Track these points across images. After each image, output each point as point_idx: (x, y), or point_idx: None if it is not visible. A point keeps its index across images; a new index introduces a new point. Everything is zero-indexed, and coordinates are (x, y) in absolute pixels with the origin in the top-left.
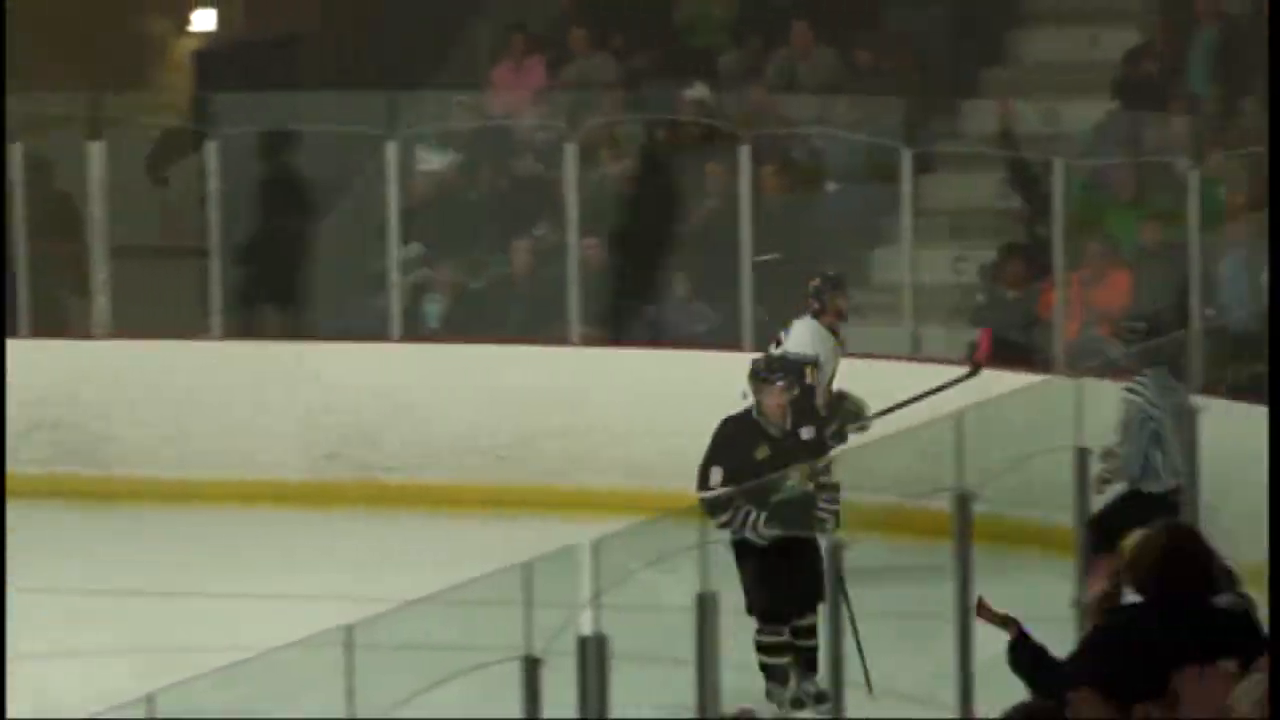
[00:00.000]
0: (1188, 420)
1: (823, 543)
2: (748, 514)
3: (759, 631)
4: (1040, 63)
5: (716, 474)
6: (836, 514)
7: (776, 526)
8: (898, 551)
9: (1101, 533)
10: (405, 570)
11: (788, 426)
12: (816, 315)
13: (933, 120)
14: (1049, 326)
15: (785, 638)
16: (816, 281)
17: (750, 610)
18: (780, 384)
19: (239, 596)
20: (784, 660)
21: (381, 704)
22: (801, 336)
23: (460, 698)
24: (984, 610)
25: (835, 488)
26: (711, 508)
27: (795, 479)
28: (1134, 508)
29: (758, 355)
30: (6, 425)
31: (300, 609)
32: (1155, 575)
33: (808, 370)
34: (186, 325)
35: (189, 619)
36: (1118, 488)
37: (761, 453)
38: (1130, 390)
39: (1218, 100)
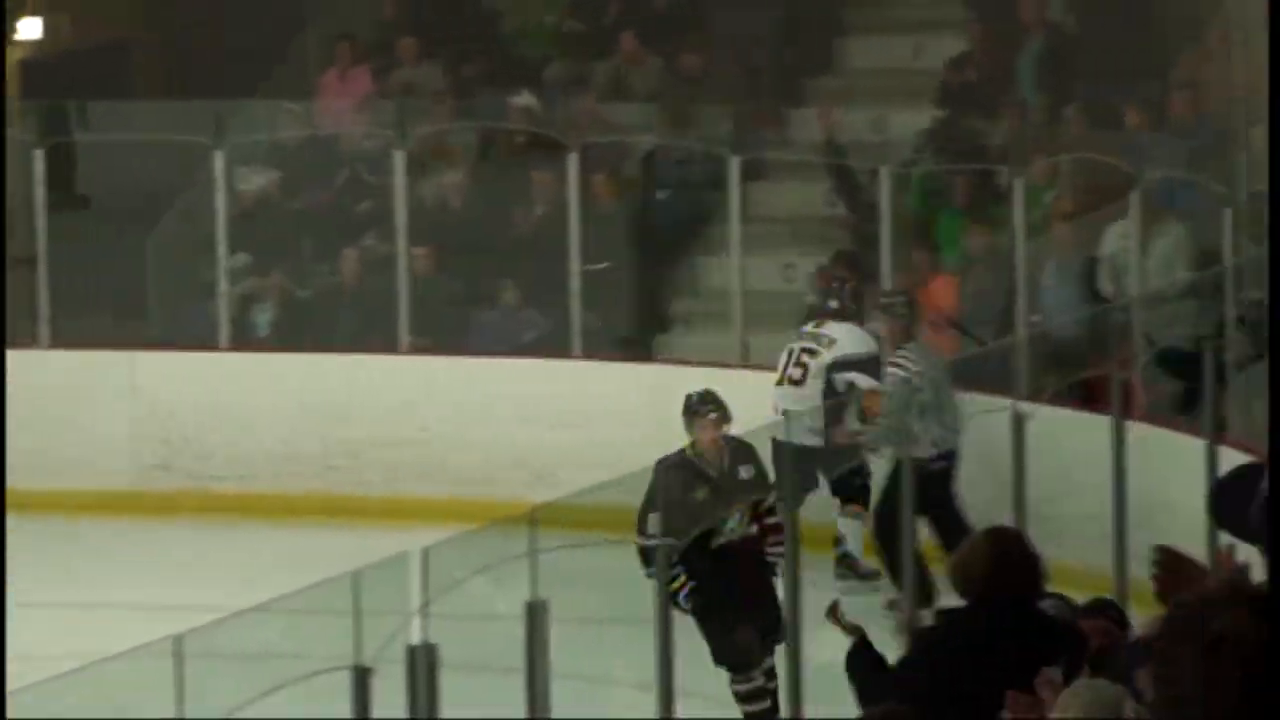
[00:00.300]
0: (946, 392)
1: (778, 585)
2: (675, 578)
3: (733, 682)
4: (866, 71)
5: (654, 521)
6: (837, 608)
7: (700, 598)
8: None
9: (890, 518)
10: (235, 580)
11: (725, 465)
12: (850, 317)
13: (761, 128)
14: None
15: (759, 682)
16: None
17: (719, 662)
18: (712, 417)
19: (67, 606)
20: (765, 706)
21: (211, 714)
22: (850, 338)
23: (290, 707)
24: (835, 615)
25: (781, 528)
26: (645, 558)
27: (735, 522)
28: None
29: (691, 392)
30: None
31: (129, 618)
32: (981, 579)
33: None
34: (14, 333)
35: (16, 629)
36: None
37: (700, 494)
38: (894, 364)
39: (1044, 108)
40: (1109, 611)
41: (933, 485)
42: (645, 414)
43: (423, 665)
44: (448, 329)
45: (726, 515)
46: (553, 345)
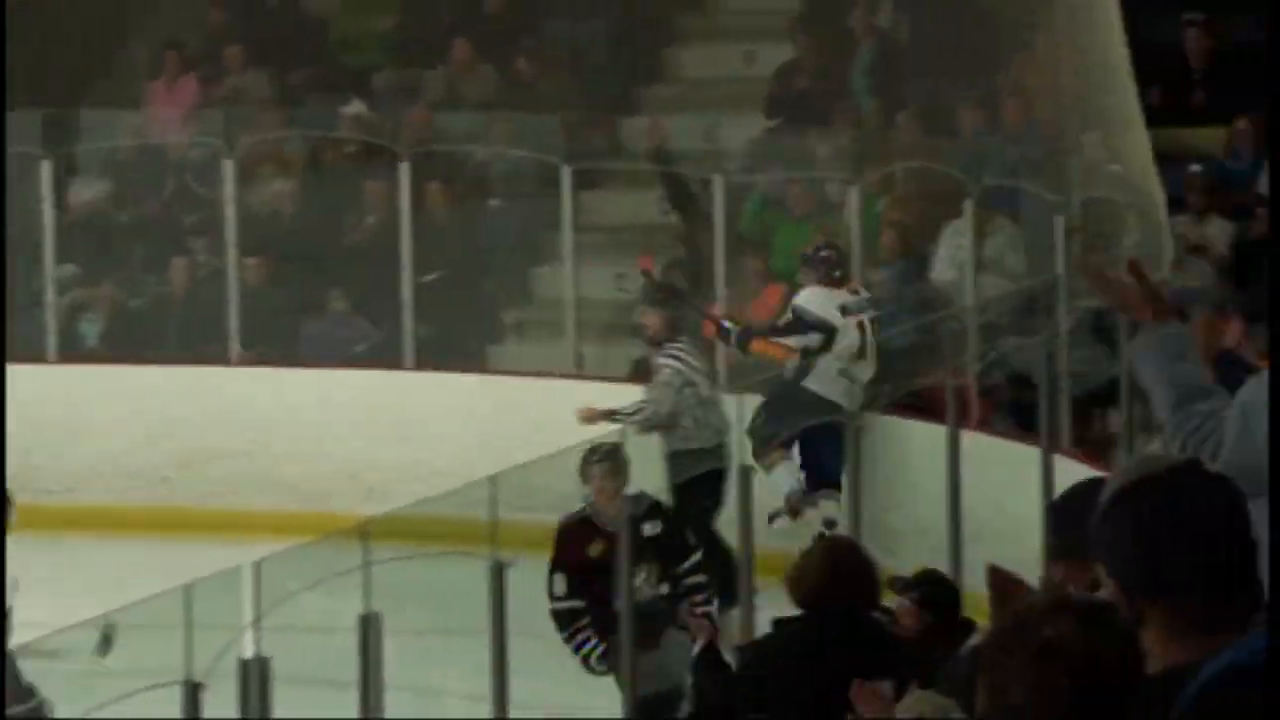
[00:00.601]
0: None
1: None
2: (586, 641)
3: None
4: (698, 79)
5: (559, 583)
6: (711, 616)
7: (613, 661)
8: None
9: (684, 512)
10: (64, 593)
11: (624, 520)
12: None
13: (594, 136)
14: (711, 344)
15: None
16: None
17: None
18: (598, 469)
19: None
20: None
21: None
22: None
23: None
24: (691, 614)
25: (704, 587)
26: (556, 621)
27: (642, 581)
28: (684, 464)
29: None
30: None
31: None
32: (815, 588)
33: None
34: None
35: None
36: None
37: (595, 549)
38: (669, 355)
39: (877, 116)
40: (929, 588)
41: (709, 468)
42: (479, 426)
43: (255, 679)
44: (279, 339)
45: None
46: (384, 356)
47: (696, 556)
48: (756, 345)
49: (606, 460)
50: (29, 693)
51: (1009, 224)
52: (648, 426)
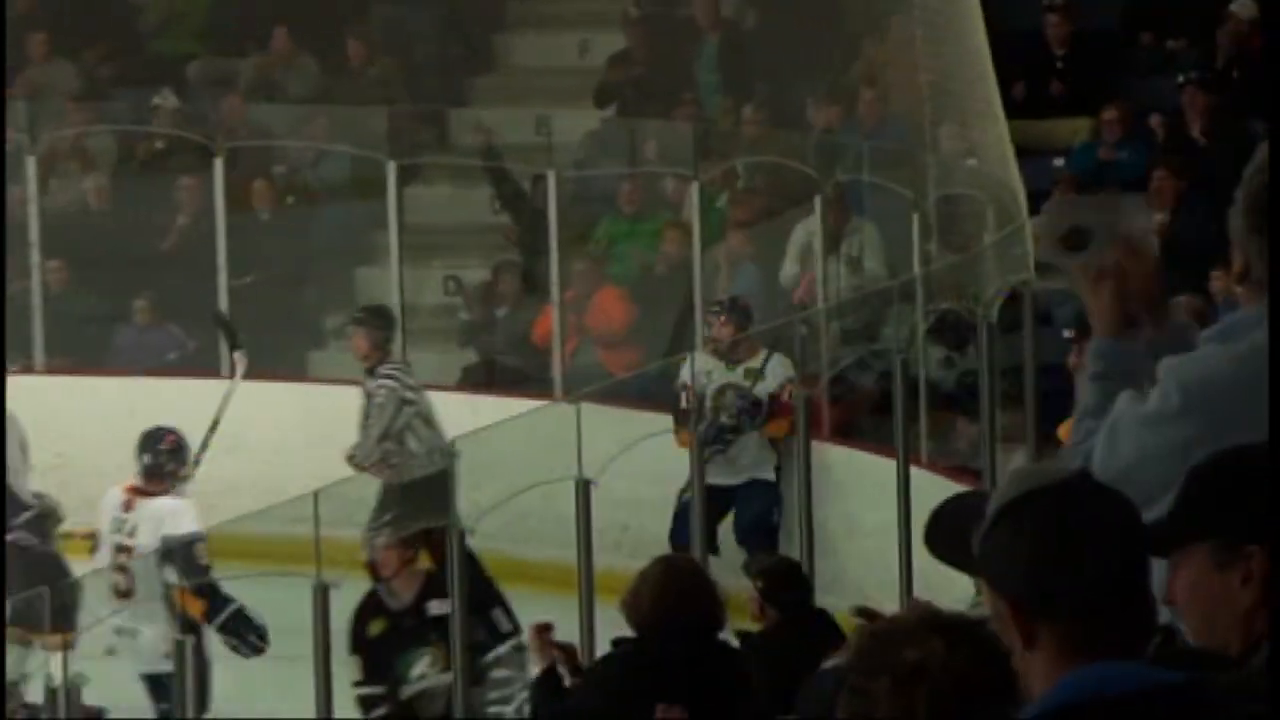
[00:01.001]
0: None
1: None
2: None
3: None
4: (529, 69)
5: (354, 666)
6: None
7: None
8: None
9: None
10: None
11: (410, 598)
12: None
13: (421, 130)
14: (543, 350)
15: None
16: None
17: None
18: (381, 542)
19: None
20: None
21: None
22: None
23: None
24: (543, 636)
25: (511, 682)
26: (358, 707)
27: (424, 667)
28: (418, 496)
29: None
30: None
31: None
32: (650, 610)
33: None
34: None
35: None
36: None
37: (375, 628)
38: (384, 376)
39: (722, 108)
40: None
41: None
42: (300, 437)
43: (65, 705)
44: (86, 347)
45: (411, 659)
46: (198, 364)
47: (503, 648)
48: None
49: (391, 530)
50: None
51: (868, 225)
52: (376, 458)
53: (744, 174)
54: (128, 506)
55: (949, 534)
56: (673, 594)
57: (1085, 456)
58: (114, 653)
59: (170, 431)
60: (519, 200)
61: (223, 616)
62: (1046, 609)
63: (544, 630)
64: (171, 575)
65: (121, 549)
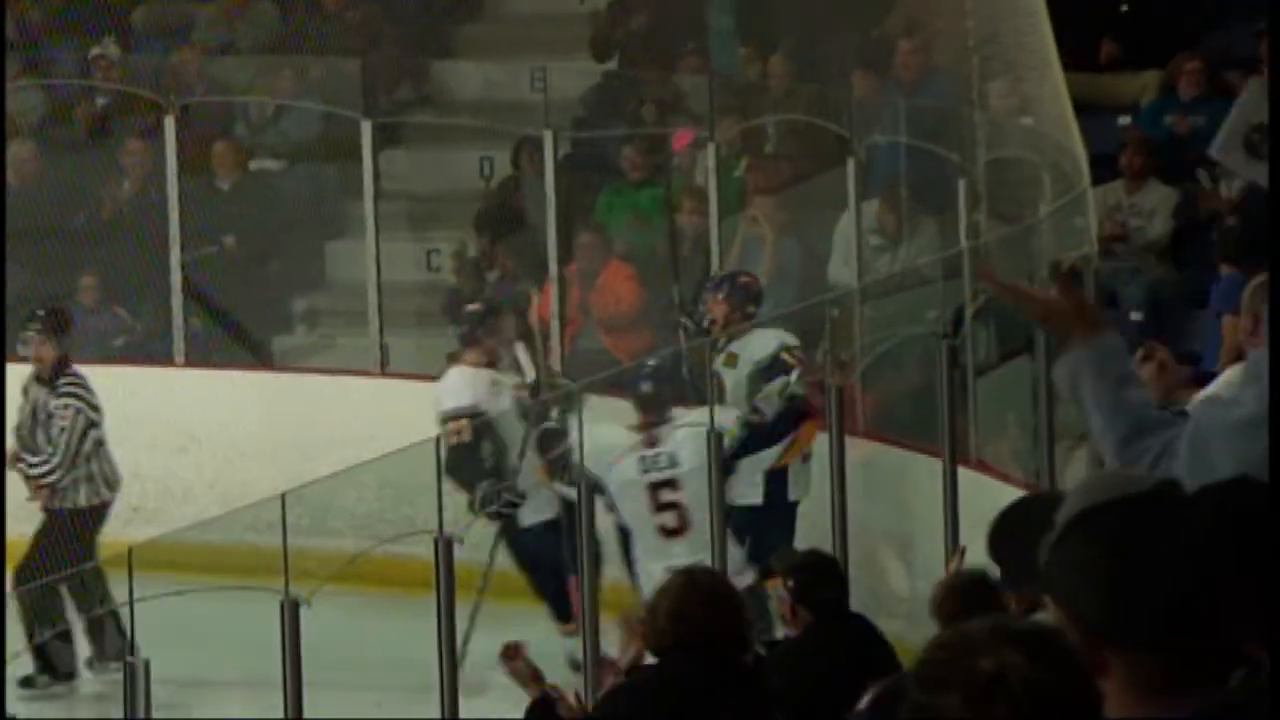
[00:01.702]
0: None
1: None
2: None
3: None
4: (522, 17)
5: None
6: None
7: None
8: (365, 607)
9: None
10: None
11: None
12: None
13: (399, 85)
14: (542, 334)
15: None
16: (476, 307)
17: None
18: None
19: None
20: None
21: None
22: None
23: None
24: (516, 661)
25: None
26: None
27: None
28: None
29: None
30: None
31: None
32: (667, 631)
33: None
34: None
35: None
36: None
37: None
38: (67, 394)
39: (741, 61)
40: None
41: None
42: (264, 434)
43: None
44: (16, 335)
45: None
46: (149, 351)
47: None
48: None
49: None
50: None
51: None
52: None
53: (774, 136)
54: (651, 442)
55: (1015, 540)
56: (692, 612)
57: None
58: None
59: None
60: (519, 163)
61: None
62: (1119, 634)
63: (514, 651)
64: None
65: (660, 485)
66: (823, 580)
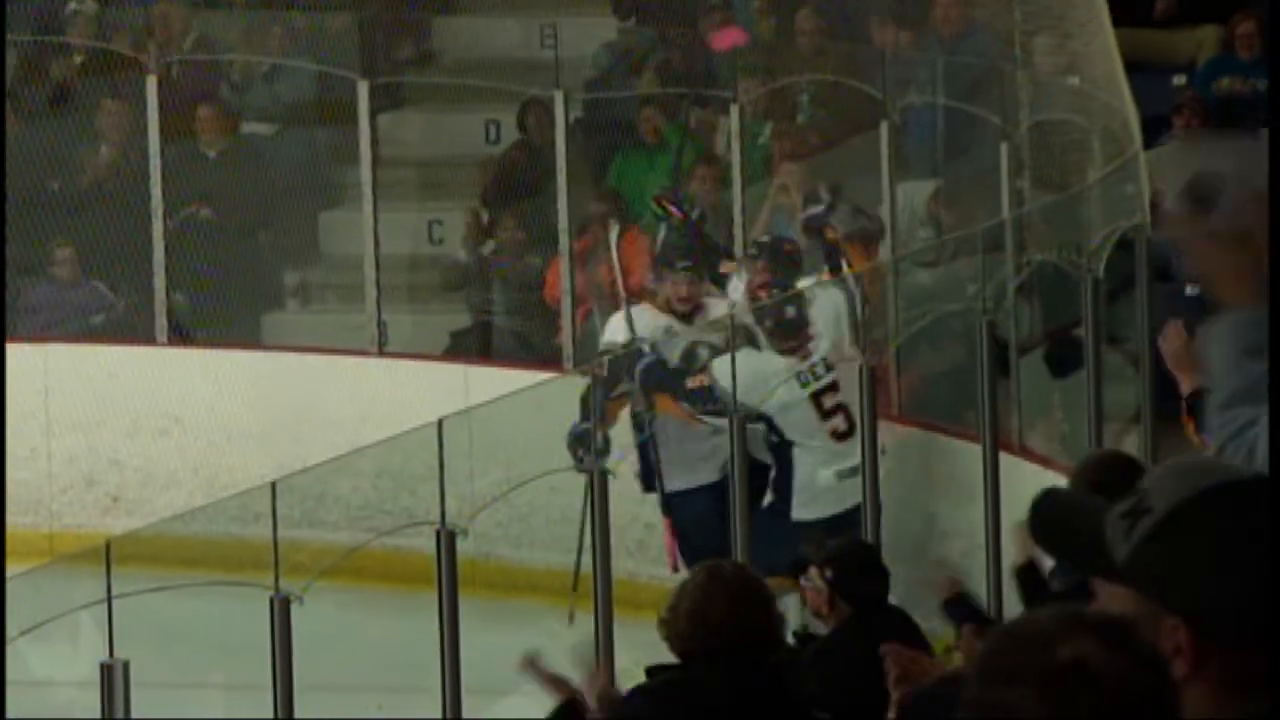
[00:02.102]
0: None
1: None
2: None
3: None
4: None
5: None
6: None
7: None
8: (361, 604)
9: None
10: None
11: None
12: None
13: (398, 44)
14: (550, 310)
15: None
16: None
17: None
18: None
19: None
20: None
21: None
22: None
23: None
24: (536, 669)
25: None
26: None
27: None
28: None
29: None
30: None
31: None
32: (694, 631)
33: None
34: None
35: None
36: None
37: None
38: None
39: (765, 18)
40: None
41: None
42: (253, 417)
43: None
44: None
45: None
46: (129, 328)
47: None
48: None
49: None
50: None
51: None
52: None
53: (806, 104)
54: (803, 355)
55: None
56: (717, 610)
57: (1238, 447)
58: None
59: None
60: (526, 128)
61: None
62: (1232, 630)
63: (536, 663)
64: None
65: (820, 394)
66: (864, 571)
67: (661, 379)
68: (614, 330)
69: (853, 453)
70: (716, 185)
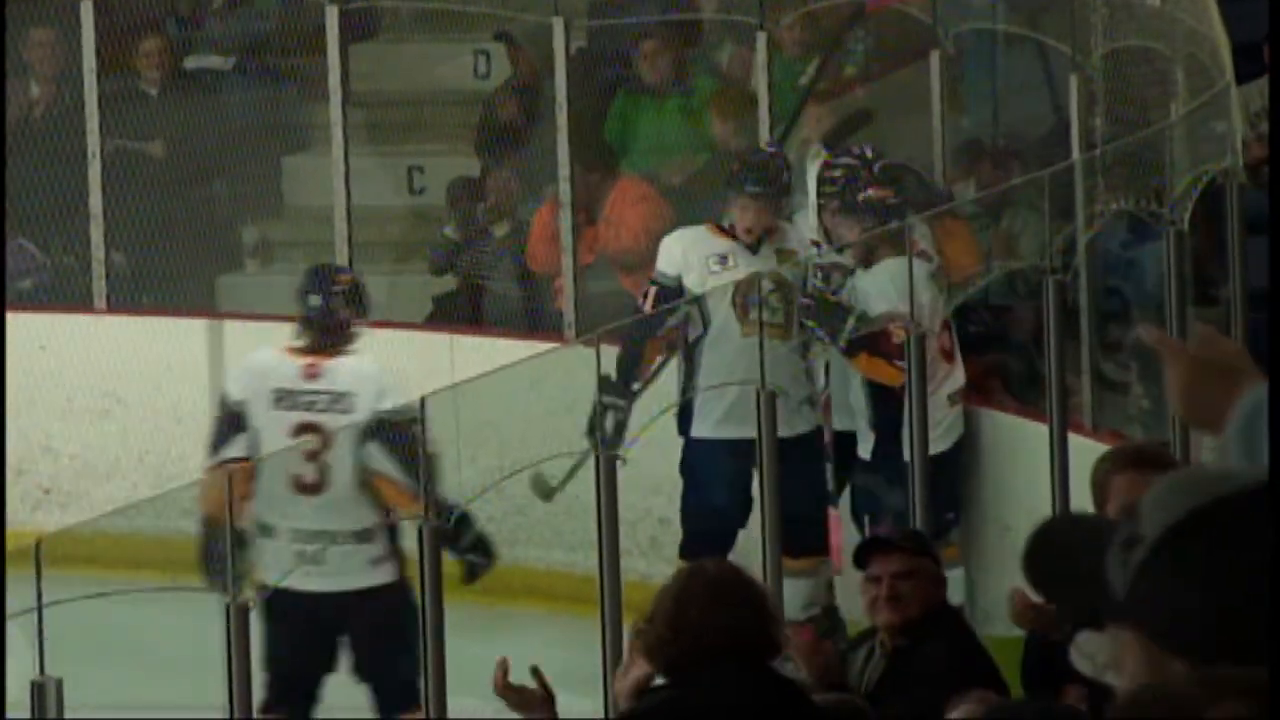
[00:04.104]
0: None
1: None
2: None
3: None
4: None
5: None
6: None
7: None
8: None
9: None
10: None
11: None
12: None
13: None
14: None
15: None
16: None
17: None
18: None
19: None
20: None
21: None
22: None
23: None
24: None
25: None
26: None
27: None
28: None
29: None
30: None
31: None
32: (675, 640)
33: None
34: None
35: None
36: None
37: None
38: None
39: None
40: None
41: None
42: (204, 395)
43: None
44: None
45: None
46: (62, 293)
47: None
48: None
49: None
50: None
51: None
52: None
53: (862, 44)
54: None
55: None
56: (716, 616)
57: None
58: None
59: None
60: (520, 59)
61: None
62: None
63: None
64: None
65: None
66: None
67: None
68: (667, 259)
69: (958, 372)
70: (735, 123)
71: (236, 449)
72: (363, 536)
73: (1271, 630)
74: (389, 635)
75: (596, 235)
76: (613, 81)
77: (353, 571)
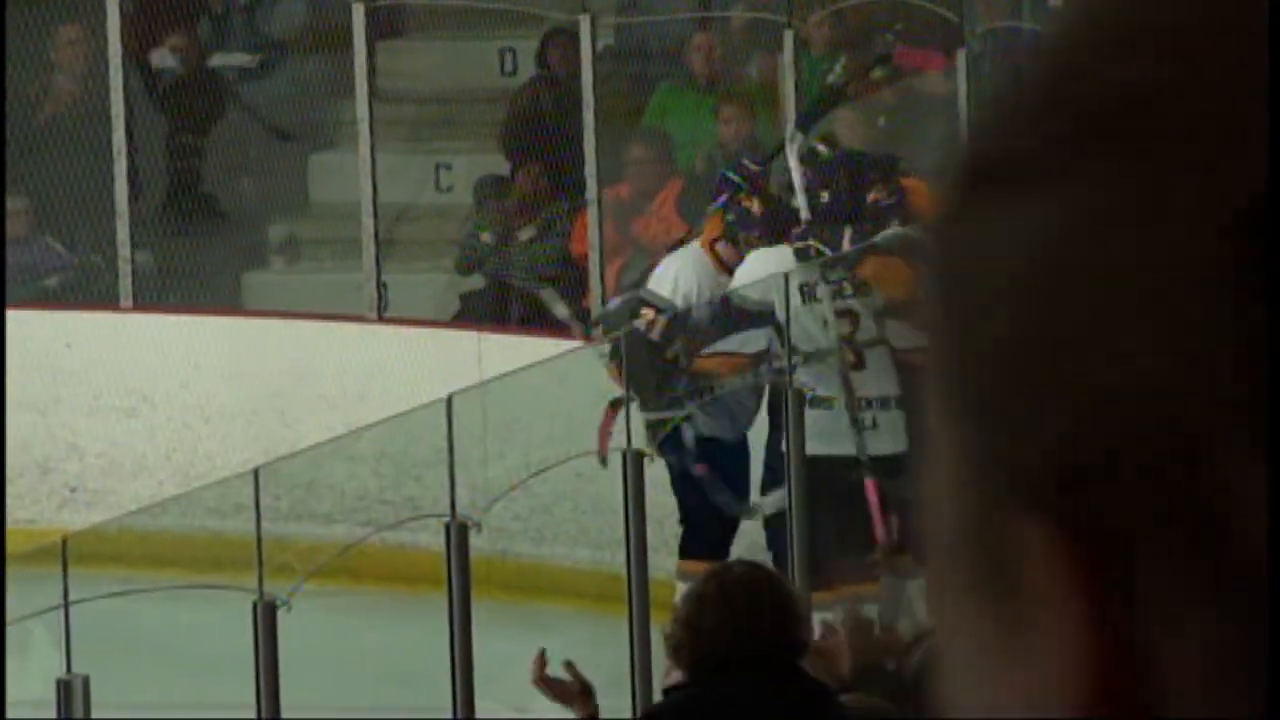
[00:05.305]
0: None
1: None
2: None
3: None
4: None
5: None
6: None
7: None
8: (357, 608)
9: None
10: None
11: None
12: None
13: None
14: (579, 270)
15: None
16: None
17: None
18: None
19: None
20: None
21: None
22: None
23: None
24: (546, 677)
25: None
26: None
27: None
28: None
29: None
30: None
31: None
32: (707, 641)
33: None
34: None
35: None
36: None
37: None
38: None
39: None
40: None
41: None
42: (232, 392)
43: None
44: None
45: None
46: (89, 292)
47: None
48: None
49: None
50: None
51: None
52: None
53: (888, 41)
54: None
55: None
56: (734, 618)
57: None
58: None
59: None
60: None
61: None
62: None
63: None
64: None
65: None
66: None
67: None
68: (661, 280)
69: None
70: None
71: None
72: None
73: (1272, 631)
74: None
75: (646, 226)
76: (651, 77)
77: None
